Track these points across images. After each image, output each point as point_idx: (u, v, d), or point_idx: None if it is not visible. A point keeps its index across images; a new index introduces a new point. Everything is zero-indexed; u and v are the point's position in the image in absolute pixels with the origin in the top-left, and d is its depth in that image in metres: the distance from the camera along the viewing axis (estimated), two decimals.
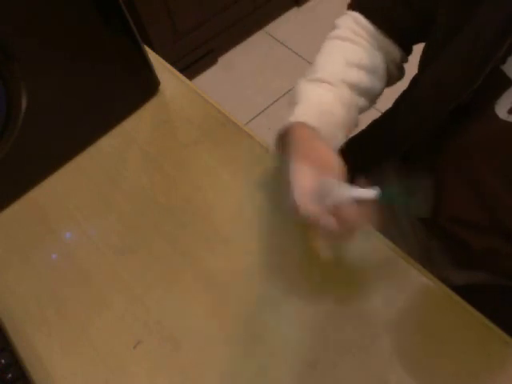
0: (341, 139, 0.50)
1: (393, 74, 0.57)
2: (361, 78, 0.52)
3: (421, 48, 0.55)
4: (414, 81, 0.59)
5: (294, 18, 1.84)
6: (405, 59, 0.57)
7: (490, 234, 0.50)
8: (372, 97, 0.55)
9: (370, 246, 0.51)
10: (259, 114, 1.60)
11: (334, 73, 0.51)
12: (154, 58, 0.66)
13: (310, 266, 0.50)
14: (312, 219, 0.39)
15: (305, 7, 1.86)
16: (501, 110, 0.42)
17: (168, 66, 0.69)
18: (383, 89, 0.57)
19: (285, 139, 0.47)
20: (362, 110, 0.55)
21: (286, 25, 1.83)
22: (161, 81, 0.65)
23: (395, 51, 0.54)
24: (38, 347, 0.49)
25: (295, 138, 0.45)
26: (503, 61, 0.40)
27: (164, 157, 0.61)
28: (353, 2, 0.56)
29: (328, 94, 0.50)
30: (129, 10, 0.53)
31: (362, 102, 0.53)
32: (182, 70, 0.68)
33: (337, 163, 0.42)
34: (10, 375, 0.46)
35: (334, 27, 0.56)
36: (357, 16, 0.54)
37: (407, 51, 0.56)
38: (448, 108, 0.45)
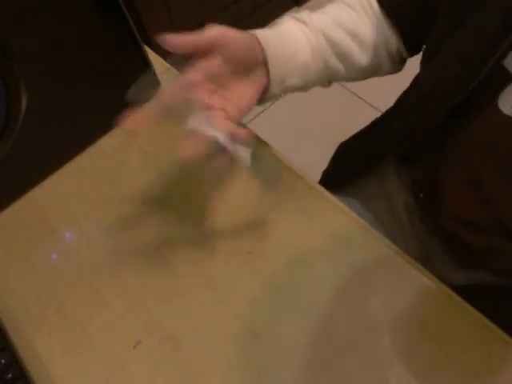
0: (295, 83, 0.49)
1: (385, 62, 0.55)
2: (342, 38, 0.50)
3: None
4: (415, 80, 0.58)
5: None
6: (404, 53, 0.56)
7: (490, 234, 0.50)
8: (350, 66, 0.53)
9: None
10: (259, 114, 1.60)
11: (317, 21, 0.50)
12: (154, 58, 0.66)
13: (310, 266, 0.50)
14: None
15: (305, 7, 1.86)
16: (504, 105, 0.42)
17: (168, 66, 0.69)
18: (371, 69, 0.55)
19: None
20: (334, 74, 0.53)
21: None
22: (161, 81, 0.65)
23: (394, 39, 0.53)
24: (38, 347, 0.49)
25: None
26: (504, 56, 0.40)
27: (164, 157, 0.61)
28: None
29: (300, 33, 0.49)
30: (129, 10, 0.53)
31: (335, 61, 0.51)
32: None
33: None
34: (9, 375, 0.46)
35: None
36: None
37: (409, 47, 0.55)
38: (449, 105, 0.45)
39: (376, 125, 0.68)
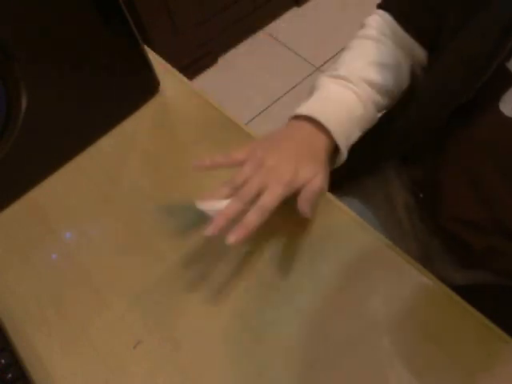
0: (356, 136, 0.52)
1: (417, 76, 0.57)
2: (381, 76, 0.52)
3: None
4: (418, 80, 0.58)
5: (294, 17, 1.84)
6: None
7: (490, 234, 0.50)
8: (394, 95, 0.56)
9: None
10: (259, 113, 1.60)
11: (354, 70, 0.52)
12: (153, 58, 0.66)
13: (311, 266, 0.50)
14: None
15: (305, 7, 1.86)
16: (505, 107, 0.42)
17: (168, 66, 0.69)
18: (404, 87, 0.57)
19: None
20: (381, 108, 0.55)
21: (286, 25, 1.83)
22: (161, 81, 0.65)
23: (421, 53, 0.55)
24: (38, 347, 0.49)
25: (294, 131, 0.48)
26: (507, 58, 0.40)
27: (164, 157, 0.61)
28: (382, 2, 0.56)
29: (346, 91, 0.51)
30: (129, 10, 0.53)
31: (380, 99, 0.54)
32: (182, 70, 0.68)
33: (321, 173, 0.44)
34: (10, 375, 0.46)
35: (361, 26, 0.57)
36: (385, 16, 0.54)
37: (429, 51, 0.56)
38: (452, 107, 0.45)
39: (376, 125, 0.68)
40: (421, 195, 0.58)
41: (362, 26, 0.57)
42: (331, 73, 0.53)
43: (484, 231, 0.50)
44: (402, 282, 0.48)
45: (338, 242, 0.51)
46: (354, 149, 0.54)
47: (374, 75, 0.52)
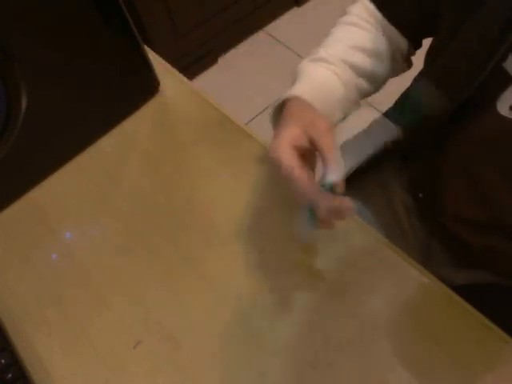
0: (338, 118, 0.51)
1: (399, 64, 0.57)
2: (363, 60, 0.52)
3: (424, 47, 0.55)
4: (416, 80, 0.58)
5: (294, 17, 1.84)
6: (412, 52, 0.57)
7: (490, 234, 0.50)
8: (375, 81, 0.55)
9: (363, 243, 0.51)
10: (259, 113, 1.60)
11: (335, 53, 0.52)
12: (153, 57, 0.66)
13: (311, 266, 0.50)
14: (285, 169, 0.39)
15: (305, 7, 1.86)
16: (502, 107, 0.42)
17: (168, 65, 0.69)
18: (388, 75, 0.57)
19: (280, 114, 0.46)
20: (364, 93, 0.55)
21: (286, 25, 1.83)
22: (161, 81, 0.65)
23: (403, 42, 0.54)
24: (38, 347, 0.49)
25: (289, 108, 0.46)
26: (504, 58, 0.40)
27: (164, 157, 0.61)
28: None
29: (327, 73, 0.50)
30: (129, 10, 0.53)
31: (363, 83, 0.53)
32: (181, 70, 0.68)
33: (328, 126, 0.41)
34: (10, 375, 0.46)
35: (344, 13, 0.57)
36: (368, 4, 0.54)
37: (415, 45, 0.56)
38: (449, 106, 0.45)
39: (376, 125, 0.68)
40: (420, 195, 0.58)
41: (345, 13, 0.57)
42: (312, 56, 0.53)
43: (483, 231, 0.50)
44: (402, 282, 0.48)
45: (337, 242, 0.51)
46: (355, 148, 0.55)
47: (355, 58, 0.52)
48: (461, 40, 0.44)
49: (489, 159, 0.46)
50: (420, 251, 0.60)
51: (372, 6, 0.54)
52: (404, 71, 0.60)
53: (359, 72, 0.52)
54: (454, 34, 0.44)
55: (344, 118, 0.53)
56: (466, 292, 0.47)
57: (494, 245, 0.50)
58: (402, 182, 0.63)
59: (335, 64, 0.51)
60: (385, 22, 0.53)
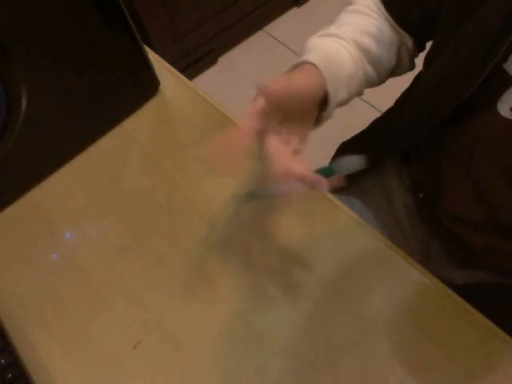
0: (343, 98, 0.49)
1: (403, 60, 0.56)
2: (372, 45, 0.51)
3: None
4: (416, 80, 0.59)
5: (294, 17, 1.84)
6: (416, 53, 0.57)
7: (490, 233, 0.50)
8: (380, 69, 0.54)
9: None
10: None
11: (348, 33, 0.50)
12: (154, 57, 0.66)
13: (310, 266, 0.50)
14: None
15: (305, 7, 1.86)
16: (503, 108, 0.42)
17: (168, 65, 0.69)
18: (393, 67, 0.55)
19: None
20: (369, 80, 0.53)
21: (286, 25, 1.83)
22: (161, 81, 0.65)
23: (407, 38, 0.54)
24: (38, 347, 0.49)
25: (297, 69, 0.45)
26: (504, 59, 0.40)
27: (164, 157, 0.61)
28: None
29: (339, 47, 0.49)
30: (129, 10, 0.53)
31: (370, 69, 0.52)
32: (182, 70, 0.69)
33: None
34: (10, 375, 0.46)
35: (349, 3, 0.55)
36: None
37: (419, 46, 0.56)
38: (450, 106, 0.45)
39: (376, 125, 0.68)
40: (421, 195, 0.58)
41: (349, 3, 0.55)
42: (322, 32, 0.51)
43: (483, 231, 0.50)
44: (402, 282, 0.48)
45: (337, 242, 0.51)
46: (355, 149, 0.54)
47: (365, 41, 0.50)
48: (461, 40, 0.44)
49: (489, 160, 0.46)
50: (420, 251, 0.60)
51: (378, 1, 0.53)
52: (408, 71, 0.59)
53: (367, 55, 0.51)
54: (454, 33, 0.44)
55: (345, 103, 0.51)
56: (466, 292, 0.47)
57: (493, 245, 0.50)
58: (402, 182, 0.63)
59: (347, 41, 0.49)
60: (389, 17, 0.53)
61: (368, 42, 0.50)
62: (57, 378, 0.47)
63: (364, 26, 0.51)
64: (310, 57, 0.45)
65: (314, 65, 0.44)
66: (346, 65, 0.48)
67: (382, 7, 0.53)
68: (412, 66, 0.59)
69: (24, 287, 0.53)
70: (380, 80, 0.55)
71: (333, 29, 0.51)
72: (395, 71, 0.57)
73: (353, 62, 0.49)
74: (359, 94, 0.53)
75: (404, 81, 0.61)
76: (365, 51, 0.51)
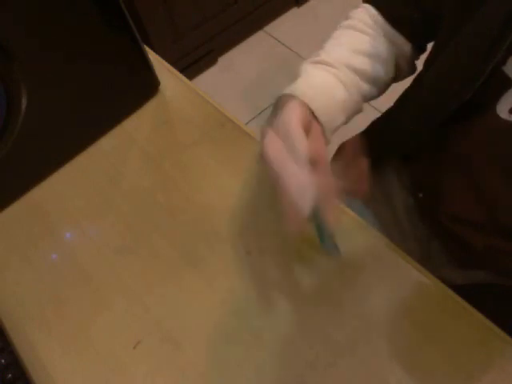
0: (341, 122, 0.50)
1: (403, 69, 0.57)
2: (366, 64, 0.52)
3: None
4: (416, 80, 0.59)
5: (294, 18, 1.85)
6: (416, 56, 0.57)
7: (490, 234, 0.50)
8: (378, 84, 0.55)
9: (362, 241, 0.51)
10: (259, 113, 1.60)
11: (336, 57, 0.51)
12: (154, 57, 0.66)
13: (311, 266, 0.50)
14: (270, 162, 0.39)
15: (305, 7, 1.86)
16: (502, 110, 0.42)
17: (168, 65, 0.69)
18: (391, 79, 0.56)
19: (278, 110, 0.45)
20: (367, 97, 0.54)
21: (286, 25, 1.83)
22: (161, 81, 0.65)
23: (406, 47, 0.54)
24: (38, 347, 0.49)
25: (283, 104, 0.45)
26: (504, 62, 0.40)
27: (164, 157, 0.61)
28: None
29: (329, 76, 0.50)
30: (129, 10, 0.53)
31: (366, 87, 0.53)
32: (182, 70, 0.69)
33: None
34: (10, 375, 0.46)
35: (346, 18, 0.56)
36: (370, 9, 0.54)
37: (419, 49, 0.56)
38: (450, 108, 0.45)
39: (376, 125, 0.68)
40: (420, 195, 0.58)
41: (347, 18, 0.56)
42: (312, 59, 0.52)
43: (483, 231, 0.50)
44: (402, 282, 0.48)
45: (337, 242, 0.51)
46: None
47: (357, 62, 0.51)
48: (461, 40, 0.44)
49: (489, 161, 0.46)
50: (420, 251, 0.60)
51: (374, 11, 0.54)
52: (409, 76, 0.59)
53: (361, 75, 0.52)
54: (454, 34, 0.44)
55: (346, 122, 0.52)
56: (466, 292, 0.47)
57: (493, 245, 0.50)
58: (402, 182, 0.63)
59: (336, 67, 0.50)
60: (387, 26, 0.53)
61: (361, 62, 0.51)
62: (57, 378, 0.47)
63: (357, 45, 0.52)
64: (302, 91, 0.46)
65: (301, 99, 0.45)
66: (337, 91, 0.49)
67: (379, 19, 0.53)
68: (413, 70, 0.59)
69: (24, 287, 0.53)
70: (380, 92, 0.56)
71: (324, 56, 0.51)
72: (395, 80, 0.58)
73: (344, 87, 0.50)
74: (359, 111, 0.54)
75: (404, 81, 0.61)
76: (358, 72, 0.51)
